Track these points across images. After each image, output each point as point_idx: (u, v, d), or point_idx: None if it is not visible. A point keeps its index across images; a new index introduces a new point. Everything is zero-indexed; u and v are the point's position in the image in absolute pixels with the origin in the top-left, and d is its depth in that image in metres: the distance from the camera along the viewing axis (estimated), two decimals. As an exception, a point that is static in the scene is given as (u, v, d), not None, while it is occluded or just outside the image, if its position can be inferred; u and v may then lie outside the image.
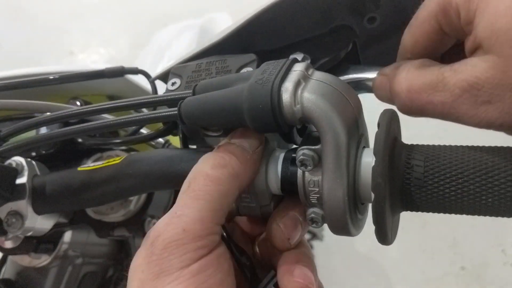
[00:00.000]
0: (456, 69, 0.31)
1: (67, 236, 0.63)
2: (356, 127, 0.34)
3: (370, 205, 0.34)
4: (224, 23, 1.42)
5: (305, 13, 0.42)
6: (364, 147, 0.36)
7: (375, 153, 0.31)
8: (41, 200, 0.50)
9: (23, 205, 0.50)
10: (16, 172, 0.51)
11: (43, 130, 0.57)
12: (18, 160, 0.53)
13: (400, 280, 1.74)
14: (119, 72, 0.51)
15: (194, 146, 0.44)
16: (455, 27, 0.33)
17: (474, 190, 0.30)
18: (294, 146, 0.39)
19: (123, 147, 0.60)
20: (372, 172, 0.32)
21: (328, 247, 1.70)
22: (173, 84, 0.43)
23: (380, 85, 0.38)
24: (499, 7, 0.28)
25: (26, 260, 0.62)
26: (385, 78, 0.37)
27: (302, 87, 0.33)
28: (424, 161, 0.32)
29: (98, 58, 2.25)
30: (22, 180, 0.51)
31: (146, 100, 0.39)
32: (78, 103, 0.61)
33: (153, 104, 0.40)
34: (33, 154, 0.61)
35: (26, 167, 0.52)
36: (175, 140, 0.54)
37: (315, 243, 1.61)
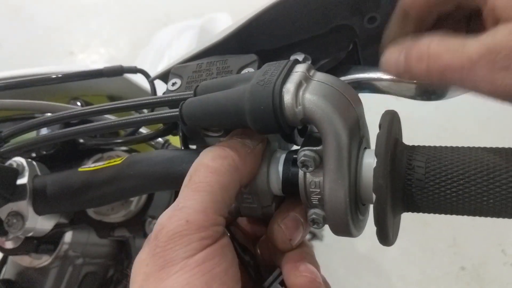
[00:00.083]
0: (478, 37, 0.30)
1: (68, 236, 0.63)
2: (358, 128, 0.34)
3: (371, 206, 0.34)
4: (224, 23, 1.42)
5: (306, 13, 0.42)
6: (365, 148, 0.36)
7: (376, 154, 0.31)
8: (42, 201, 0.50)
9: (24, 205, 0.50)
10: (16, 172, 0.51)
11: (44, 130, 0.57)
12: (18, 160, 0.53)
13: (400, 280, 1.74)
14: (118, 71, 0.51)
15: (194, 146, 0.44)
16: None
17: (476, 191, 0.30)
18: (295, 147, 0.39)
19: (124, 148, 0.60)
20: (374, 173, 0.32)
21: (328, 247, 1.70)
22: (173, 84, 0.43)
23: (392, 56, 0.37)
24: None
25: (26, 261, 0.62)
26: (399, 48, 0.36)
27: (304, 88, 0.33)
28: (426, 162, 0.32)
29: (98, 58, 2.25)
30: (22, 180, 0.51)
31: (147, 101, 0.39)
32: (78, 103, 0.61)
33: (154, 105, 0.40)
34: (34, 155, 0.61)
35: (26, 168, 0.52)
36: (175, 140, 0.54)
37: (315, 243, 1.61)
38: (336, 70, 0.44)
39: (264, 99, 0.32)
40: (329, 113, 0.32)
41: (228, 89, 0.35)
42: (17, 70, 0.59)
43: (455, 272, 1.73)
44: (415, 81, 0.40)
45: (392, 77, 0.41)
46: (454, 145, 0.33)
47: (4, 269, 0.66)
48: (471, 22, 0.38)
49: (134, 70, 0.52)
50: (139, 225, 0.62)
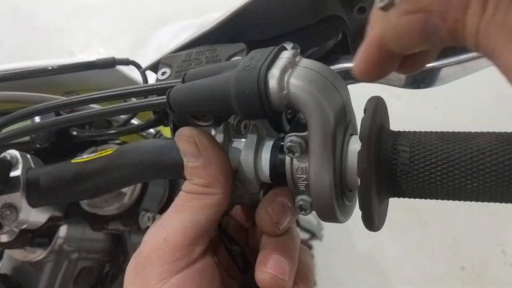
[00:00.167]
0: None
1: (63, 230, 0.63)
2: (343, 113, 0.34)
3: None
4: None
5: (295, 3, 0.43)
6: (351, 134, 0.36)
7: (360, 139, 0.31)
8: (35, 193, 0.51)
9: (17, 197, 0.51)
10: (10, 164, 0.52)
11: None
12: (12, 153, 0.53)
13: (400, 280, 1.74)
14: (111, 63, 0.51)
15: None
16: None
17: (460, 175, 0.30)
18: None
19: (117, 141, 0.60)
20: (358, 157, 0.32)
21: (328, 247, 1.70)
22: (163, 73, 0.44)
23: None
24: None
25: (22, 255, 0.62)
26: None
27: (289, 73, 0.33)
28: (410, 147, 0.32)
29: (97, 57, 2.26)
30: (16, 172, 0.51)
31: (136, 89, 0.40)
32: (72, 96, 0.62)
33: (143, 93, 0.40)
34: (29, 149, 0.61)
35: (20, 160, 0.52)
36: (167, 131, 0.54)
37: (315, 243, 1.61)
38: (326, 60, 0.44)
39: (249, 84, 0.33)
40: (313, 97, 0.32)
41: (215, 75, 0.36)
42: (10, 64, 0.59)
43: (455, 272, 1.73)
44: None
45: None
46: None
47: (0, 264, 0.66)
48: None
49: (126, 62, 0.52)
50: (133, 218, 0.62)
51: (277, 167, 0.37)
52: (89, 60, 0.51)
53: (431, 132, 0.33)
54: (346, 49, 0.47)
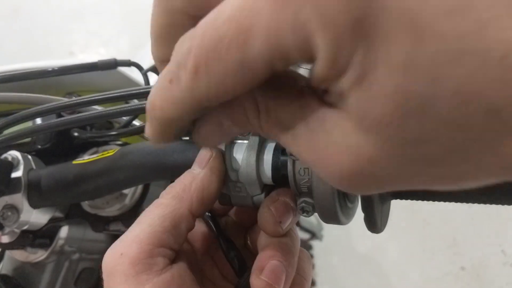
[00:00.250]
0: None
1: (64, 231, 0.64)
2: None
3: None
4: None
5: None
6: None
7: None
8: (37, 194, 0.51)
9: (19, 198, 0.51)
10: (11, 165, 0.52)
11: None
12: (14, 154, 0.53)
13: (400, 280, 1.74)
14: (112, 65, 0.51)
15: (187, 138, 0.44)
16: None
17: None
18: None
19: (119, 142, 0.60)
20: None
21: (328, 247, 1.70)
22: (165, 75, 0.44)
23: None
24: None
25: (23, 255, 0.62)
26: None
27: None
28: None
29: (98, 58, 2.26)
30: (17, 174, 0.51)
31: (137, 91, 0.40)
32: (73, 98, 0.62)
33: (145, 95, 0.40)
34: (30, 150, 0.61)
35: (21, 161, 0.52)
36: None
37: (315, 243, 1.61)
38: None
39: None
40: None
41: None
42: (11, 65, 0.59)
43: (455, 272, 1.73)
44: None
45: None
46: None
47: (1, 265, 0.66)
48: None
49: (128, 63, 0.52)
50: (134, 219, 0.62)
51: (279, 169, 0.37)
52: (90, 62, 0.51)
53: None
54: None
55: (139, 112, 0.39)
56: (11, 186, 0.51)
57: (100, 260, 0.68)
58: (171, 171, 0.40)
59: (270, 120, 0.22)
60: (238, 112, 0.22)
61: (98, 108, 0.51)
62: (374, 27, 0.15)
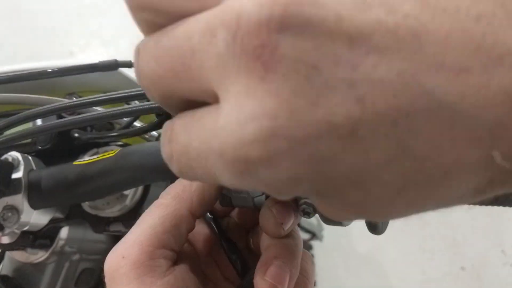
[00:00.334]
0: None
1: (64, 232, 0.63)
2: None
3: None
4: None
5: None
6: None
7: None
8: (37, 195, 0.51)
9: (19, 199, 0.51)
10: (12, 166, 0.52)
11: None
12: (14, 155, 0.53)
13: (400, 280, 1.74)
14: (113, 65, 0.51)
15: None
16: None
17: None
18: None
19: (119, 143, 0.60)
20: None
21: (328, 247, 1.70)
22: (166, 76, 0.44)
23: None
24: None
25: (23, 256, 0.62)
26: None
27: None
28: None
29: (98, 59, 2.26)
30: (18, 174, 0.51)
31: (138, 92, 0.40)
32: (74, 98, 0.61)
33: (146, 96, 0.40)
34: (30, 151, 0.61)
35: (22, 162, 0.52)
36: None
37: (315, 243, 1.61)
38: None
39: None
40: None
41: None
42: (12, 65, 0.59)
43: (455, 272, 1.73)
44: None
45: None
46: None
47: (1, 266, 0.66)
48: None
49: (129, 64, 0.52)
50: (134, 220, 0.62)
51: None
52: (91, 63, 0.51)
53: None
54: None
55: (140, 113, 0.39)
56: (12, 187, 0.51)
57: (100, 261, 0.68)
58: (171, 172, 0.40)
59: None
60: None
61: (99, 109, 0.51)
62: (324, 192, 0.18)
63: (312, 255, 1.60)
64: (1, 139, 0.47)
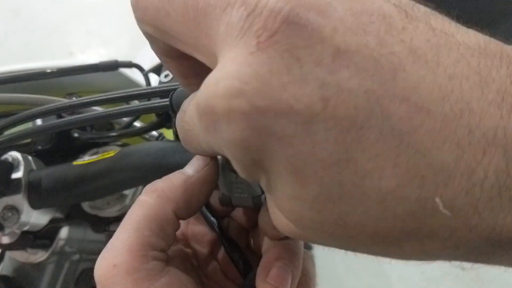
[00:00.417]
0: None
1: (64, 232, 0.64)
2: None
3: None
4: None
5: None
6: None
7: None
8: (37, 195, 0.51)
9: (19, 199, 0.51)
10: (12, 166, 0.52)
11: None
12: (14, 155, 0.53)
13: (400, 280, 1.74)
14: (113, 66, 0.51)
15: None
16: None
17: None
18: None
19: (119, 143, 0.60)
20: None
21: (328, 247, 1.70)
22: (166, 76, 0.44)
23: None
24: None
25: (23, 256, 0.62)
26: None
27: None
28: None
29: (98, 59, 2.26)
30: (18, 174, 0.51)
31: (138, 92, 0.40)
32: (74, 98, 0.61)
33: (146, 96, 0.40)
34: (30, 151, 0.61)
35: (22, 162, 0.52)
36: (169, 134, 0.54)
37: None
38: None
39: None
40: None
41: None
42: (13, 65, 0.59)
43: (455, 272, 1.73)
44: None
45: None
46: None
47: (1, 266, 0.66)
48: None
49: (129, 65, 0.52)
50: (134, 220, 0.62)
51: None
52: (91, 63, 0.51)
53: None
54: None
55: (140, 113, 0.39)
56: (12, 187, 0.51)
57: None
58: (171, 172, 0.40)
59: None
60: None
61: (99, 109, 0.51)
62: (268, 167, 0.19)
63: (312, 255, 1.60)
64: (1, 139, 0.47)
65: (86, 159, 0.49)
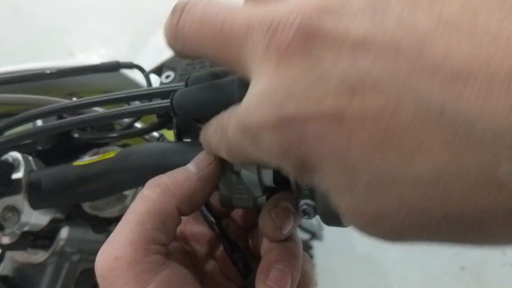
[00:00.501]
0: None
1: (64, 232, 0.64)
2: None
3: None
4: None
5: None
6: None
7: None
8: (37, 195, 0.51)
9: (19, 200, 0.51)
10: (12, 167, 0.52)
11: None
12: (14, 155, 0.53)
13: (400, 280, 1.74)
14: (115, 67, 0.51)
15: (189, 139, 0.44)
16: None
17: None
18: None
19: (119, 143, 0.60)
20: None
21: (328, 247, 1.70)
22: (167, 77, 0.44)
23: None
24: None
25: (23, 256, 0.62)
26: None
27: None
28: None
29: (98, 59, 2.26)
30: (18, 175, 0.51)
31: (139, 93, 0.39)
32: (74, 99, 0.61)
33: (146, 97, 0.40)
34: (30, 151, 0.61)
35: (22, 162, 0.52)
36: (170, 135, 0.54)
37: (315, 243, 1.61)
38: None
39: None
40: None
41: (219, 79, 0.36)
42: (13, 65, 0.59)
43: (455, 272, 1.73)
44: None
45: None
46: None
47: (1, 266, 0.66)
48: None
49: (131, 66, 0.52)
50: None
51: (280, 171, 0.37)
52: (92, 64, 0.51)
53: None
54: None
55: (141, 114, 0.39)
56: (12, 187, 0.51)
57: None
58: None
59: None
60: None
61: (99, 109, 0.51)
62: (313, 166, 0.20)
63: (312, 255, 1.60)
64: (2, 140, 0.47)
65: (86, 159, 0.48)
